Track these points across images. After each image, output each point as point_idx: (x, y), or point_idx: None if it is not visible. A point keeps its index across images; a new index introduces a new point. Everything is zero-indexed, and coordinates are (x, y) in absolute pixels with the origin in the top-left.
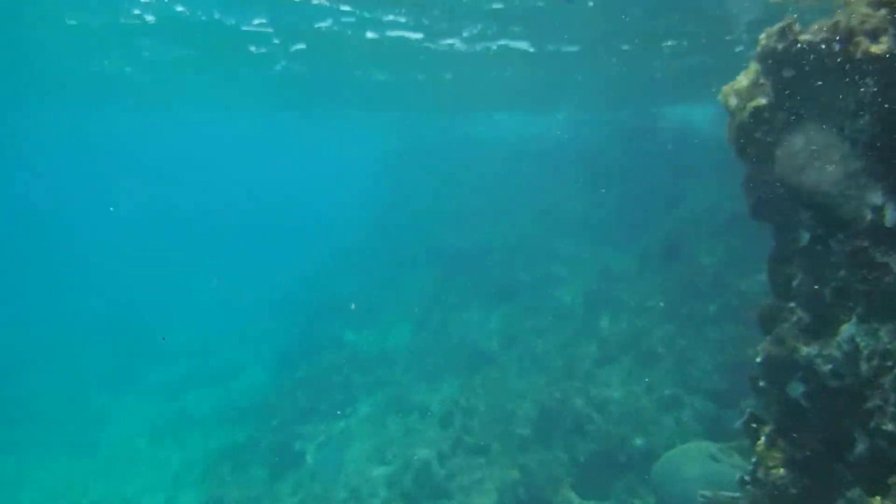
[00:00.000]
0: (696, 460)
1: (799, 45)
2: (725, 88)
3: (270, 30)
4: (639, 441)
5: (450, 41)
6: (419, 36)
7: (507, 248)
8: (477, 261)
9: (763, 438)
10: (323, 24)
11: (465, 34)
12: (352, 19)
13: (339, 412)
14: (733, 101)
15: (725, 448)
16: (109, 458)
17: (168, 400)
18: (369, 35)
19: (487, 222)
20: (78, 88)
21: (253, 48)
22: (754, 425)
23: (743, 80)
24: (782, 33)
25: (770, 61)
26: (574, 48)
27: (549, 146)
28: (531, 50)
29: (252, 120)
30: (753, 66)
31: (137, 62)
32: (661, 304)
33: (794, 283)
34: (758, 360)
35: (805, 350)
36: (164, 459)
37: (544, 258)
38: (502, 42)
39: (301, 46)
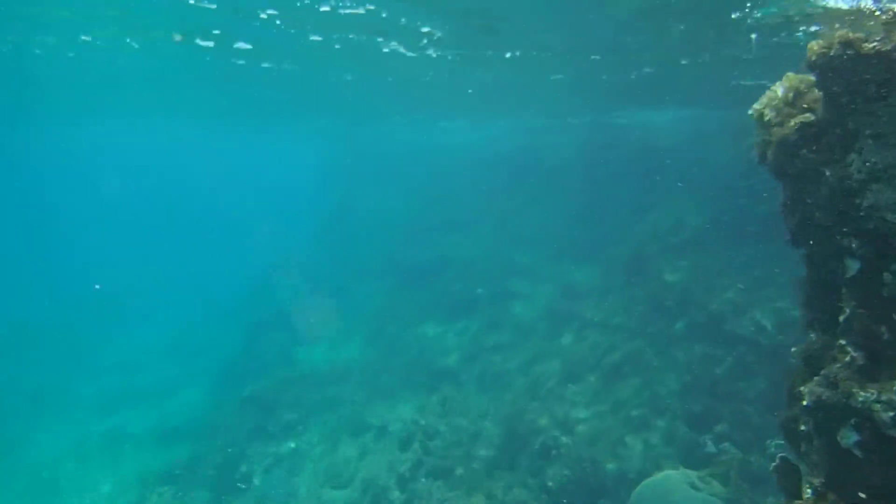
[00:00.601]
0: (677, 490)
1: (864, 55)
2: (760, 103)
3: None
4: (610, 466)
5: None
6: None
7: (463, 260)
8: (432, 273)
9: (810, 492)
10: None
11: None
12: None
13: (289, 432)
14: (770, 115)
15: (704, 476)
16: (30, 484)
17: (98, 417)
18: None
19: (442, 234)
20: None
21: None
22: (789, 473)
23: (780, 93)
24: (846, 42)
25: (828, 73)
26: (536, 54)
27: (506, 154)
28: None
29: (192, 127)
30: (793, 78)
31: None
32: (627, 321)
33: (843, 317)
34: (804, 403)
35: (862, 395)
36: (94, 483)
37: (503, 272)
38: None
39: (244, 45)
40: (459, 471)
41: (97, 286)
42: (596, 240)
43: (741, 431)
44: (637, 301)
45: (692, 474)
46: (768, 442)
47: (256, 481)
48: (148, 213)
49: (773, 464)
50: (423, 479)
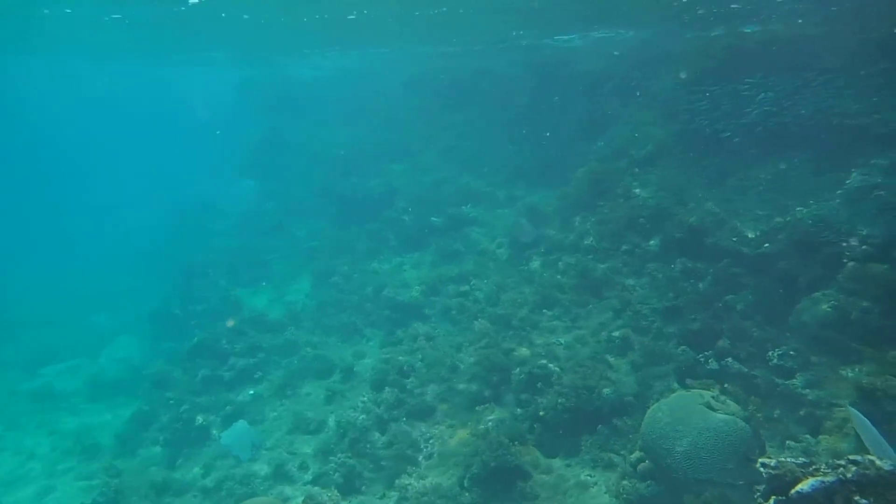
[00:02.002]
0: (695, 412)
1: None
2: None
3: None
4: (606, 391)
5: None
6: None
7: (411, 189)
8: (378, 205)
9: None
10: None
11: None
12: None
13: (246, 379)
14: None
15: (717, 395)
16: None
17: (25, 378)
18: None
19: (384, 163)
20: None
21: None
22: None
23: None
24: None
25: None
26: None
27: (446, 79)
28: None
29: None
30: None
31: None
32: (598, 241)
33: None
34: None
35: None
36: (30, 448)
37: (455, 199)
38: None
39: None
40: (442, 407)
41: None
42: (551, 161)
43: (741, 346)
44: (607, 220)
45: (706, 394)
46: (770, 353)
47: (215, 433)
48: (56, 157)
49: None
50: (405, 419)
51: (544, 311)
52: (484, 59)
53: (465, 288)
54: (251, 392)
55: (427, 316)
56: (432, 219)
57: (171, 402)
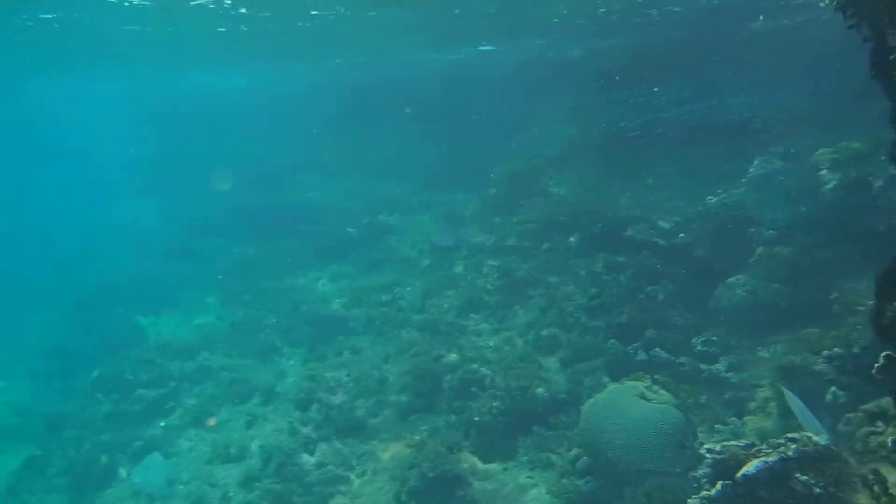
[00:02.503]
0: (630, 405)
1: None
2: None
3: None
4: (540, 390)
5: None
6: None
7: (323, 201)
8: (290, 218)
9: None
10: None
11: None
12: None
13: (156, 411)
14: None
15: (650, 385)
16: None
17: None
18: None
19: (292, 176)
20: None
21: None
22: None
23: None
24: None
25: None
26: None
27: (354, 91)
28: None
29: None
30: None
31: None
32: (520, 241)
33: None
34: None
35: None
36: None
37: (371, 208)
38: None
39: None
40: (373, 421)
41: None
42: (466, 165)
43: (668, 335)
44: (527, 220)
45: (639, 385)
46: (694, 340)
47: (124, 472)
48: None
49: (877, 364)
50: (334, 437)
51: (471, 314)
52: (393, 67)
53: (388, 297)
54: (162, 424)
55: (351, 329)
56: (348, 229)
57: (70, 443)
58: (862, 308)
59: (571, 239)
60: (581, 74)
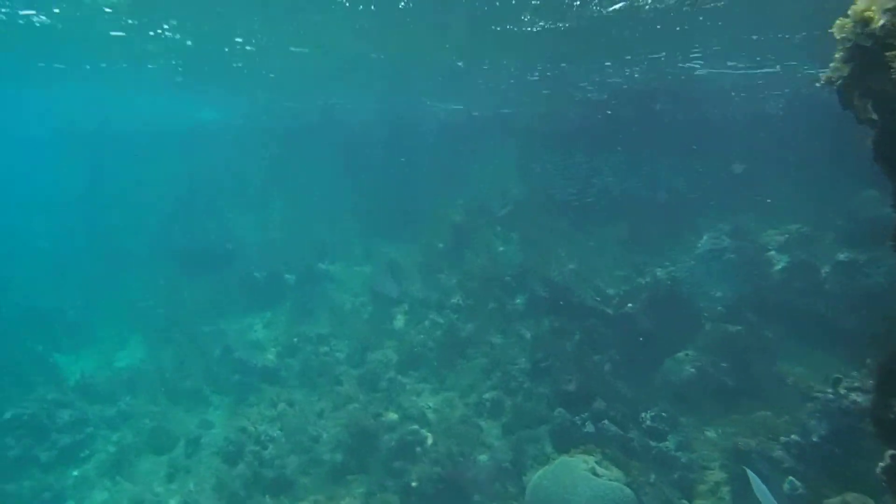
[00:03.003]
0: (580, 480)
1: None
2: (856, 8)
3: None
4: (483, 457)
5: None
6: None
7: (259, 244)
8: (223, 260)
9: None
10: None
11: None
12: None
13: (70, 458)
14: (882, 20)
15: (600, 460)
16: None
17: None
18: None
19: (228, 216)
20: None
21: None
22: None
23: None
24: None
25: None
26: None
27: (294, 128)
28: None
29: None
30: None
31: None
32: (464, 299)
33: None
34: None
35: None
36: None
37: (309, 254)
38: None
39: None
40: (304, 480)
41: None
42: (409, 215)
43: (616, 406)
44: (471, 277)
45: (590, 460)
46: (643, 415)
47: None
48: None
49: (882, 464)
50: (262, 495)
51: (411, 371)
52: (334, 111)
53: (326, 348)
54: (75, 473)
55: (283, 379)
56: (285, 275)
57: None
58: (819, 394)
59: (517, 300)
60: (531, 135)
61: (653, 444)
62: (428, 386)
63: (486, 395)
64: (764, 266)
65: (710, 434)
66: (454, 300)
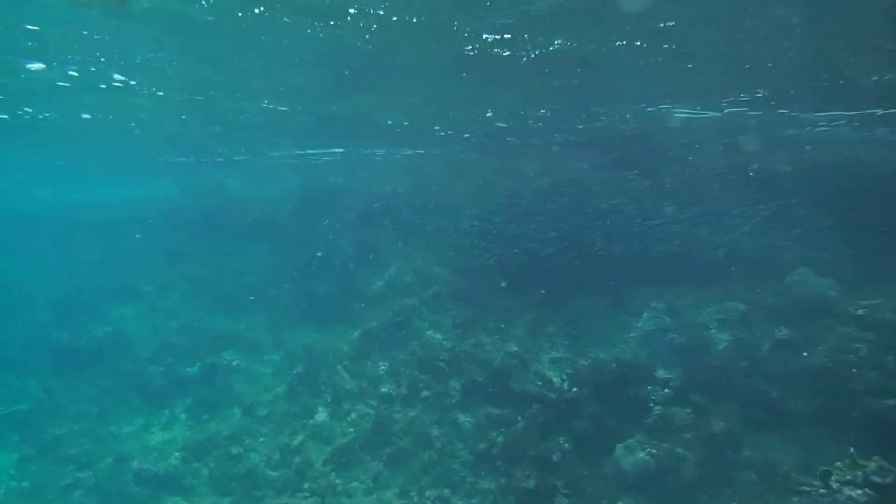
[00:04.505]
0: None
1: None
2: None
3: None
4: None
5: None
6: None
7: (152, 335)
8: (109, 355)
9: None
10: None
11: None
12: None
13: None
14: None
15: None
16: None
17: None
18: None
19: (116, 306)
20: None
21: None
22: None
23: None
24: None
25: None
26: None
27: (185, 207)
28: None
29: None
30: None
31: None
32: (395, 388)
33: None
34: None
35: None
36: None
37: (212, 345)
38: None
39: None
40: None
41: None
42: (325, 299)
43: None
44: (402, 364)
45: None
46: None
47: None
48: None
49: None
50: None
51: (341, 470)
52: (236, 182)
53: (238, 450)
54: None
55: (190, 487)
56: (186, 369)
57: None
58: (806, 488)
59: (454, 386)
60: (452, 213)
61: None
62: (359, 485)
63: (428, 493)
64: (706, 345)
65: None
66: (383, 390)
